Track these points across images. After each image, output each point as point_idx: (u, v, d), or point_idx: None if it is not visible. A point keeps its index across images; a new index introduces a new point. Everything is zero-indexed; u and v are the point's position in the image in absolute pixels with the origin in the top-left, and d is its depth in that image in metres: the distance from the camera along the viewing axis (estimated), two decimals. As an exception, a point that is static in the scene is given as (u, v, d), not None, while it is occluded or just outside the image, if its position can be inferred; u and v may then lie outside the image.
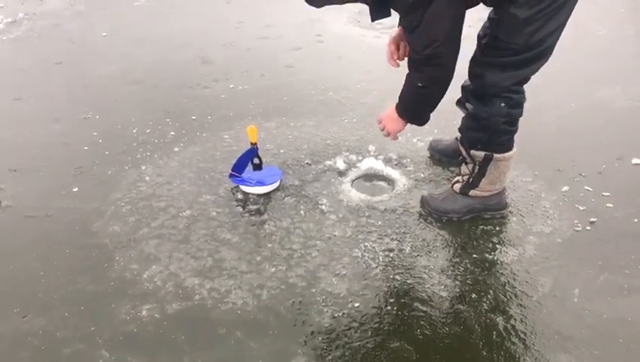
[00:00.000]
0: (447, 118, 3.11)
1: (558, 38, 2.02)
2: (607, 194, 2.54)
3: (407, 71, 2.16)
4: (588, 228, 2.35)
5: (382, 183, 2.69)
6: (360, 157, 2.84)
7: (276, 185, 2.61)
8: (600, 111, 3.28)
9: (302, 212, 2.47)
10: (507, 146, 2.27)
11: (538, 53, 2.01)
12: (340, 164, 2.79)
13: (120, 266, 2.20)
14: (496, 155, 2.26)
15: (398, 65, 2.36)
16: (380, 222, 2.40)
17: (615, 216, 2.41)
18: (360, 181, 2.70)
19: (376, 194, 2.60)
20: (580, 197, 2.53)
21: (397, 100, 2.29)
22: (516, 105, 2.16)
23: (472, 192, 2.37)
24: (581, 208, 2.46)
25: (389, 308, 1.99)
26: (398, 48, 2.33)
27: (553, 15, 1.93)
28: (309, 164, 2.81)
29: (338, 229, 2.36)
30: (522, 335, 1.87)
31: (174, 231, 2.38)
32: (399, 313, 1.97)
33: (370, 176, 2.73)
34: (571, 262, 2.18)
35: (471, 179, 2.35)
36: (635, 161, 2.79)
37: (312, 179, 2.70)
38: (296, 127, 3.18)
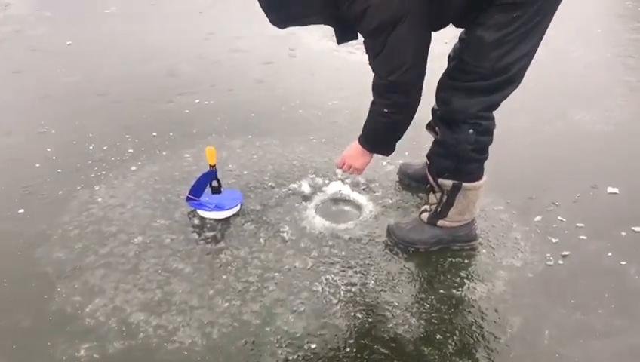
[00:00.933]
0: (418, 141, 3.01)
1: (528, 64, 1.92)
2: (581, 225, 2.45)
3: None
4: (560, 262, 2.25)
5: (348, 209, 2.56)
6: (326, 181, 2.72)
7: (236, 209, 2.47)
8: (575, 136, 3.19)
9: (261, 240, 2.33)
10: (476, 175, 2.16)
11: (507, 79, 1.90)
12: (305, 188, 2.65)
13: (61, 298, 2.04)
14: (465, 184, 2.14)
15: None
16: (343, 253, 2.27)
17: (589, 250, 2.31)
18: (325, 206, 2.57)
19: (342, 221, 2.47)
20: (552, 229, 2.43)
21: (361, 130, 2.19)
22: (485, 132, 2.06)
23: (440, 222, 2.26)
24: (554, 240, 2.35)
25: (347, 349, 1.85)
26: None
27: (522, 39, 1.83)
28: (273, 187, 2.67)
29: (299, 260, 2.22)
30: (489, 382, 1.75)
31: (123, 259, 2.22)
32: (359, 356, 1.83)
33: (336, 201, 2.60)
34: (542, 299, 2.07)
35: (439, 209, 2.24)
36: (610, 189, 2.70)
37: (275, 203, 2.56)
38: (261, 146, 3.04)
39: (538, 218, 2.49)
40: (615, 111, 3.49)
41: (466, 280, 2.15)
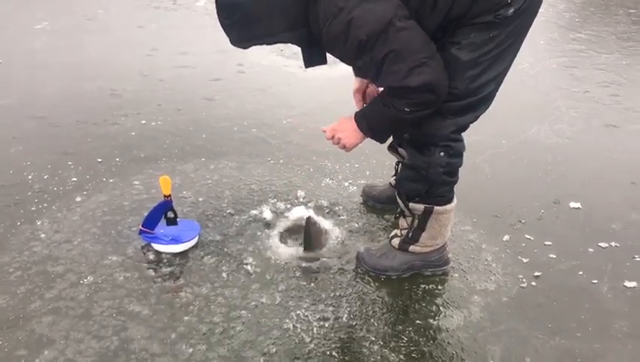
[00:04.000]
0: (378, 159, 2.94)
1: (500, 84, 1.88)
2: (549, 243, 2.42)
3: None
4: (533, 283, 2.20)
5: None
6: (288, 205, 2.59)
7: (194, 241, 2.31)
8: (532, 150, 3.20)
9: (224, 274, 2.17)
10: (448, 198, 2.09)
11: (480, 99, 1.85)
12: (267, 214, 2.52)
13: (4, 353, 1.82)
14: (436, 208, 2.07)
15: None
16: (312, 284, 2.15)
17: (560, 269, 2.28)
18: (289, 233, 2.44)
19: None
20: (522, 248, 2.39)
21: (356, 115, 1.98)
22: (456, 154, 1.99)
23: (411, 248, 2.17)
24: (524, 261, 2.32)
25: (326, 393, 1.73)
26: (364, 96, 2.20)
27: (497, 60, 1.78)
28: (232, 215, 2.52)
29: (266, 295, 2.08)
30: (476, 420, 1.66)
31: (73, 303, 2.02)
32: (338, 399, 1.72)
33: (301, 227, 2.47)
34: (520, 325, 2.01)
35: (410, 234, 2.15)
36: (572, 204, 2.69)
37: (236, 232, 2.41)
38: (216, 169, 2.88)
39: (506, 237, 2.45)
40: (567, 123, 3.53)
41: (441, 308, 2.07)
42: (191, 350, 1.84)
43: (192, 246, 2.30)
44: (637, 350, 1.93)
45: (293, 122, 3.43)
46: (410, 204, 2.08)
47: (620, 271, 2.29)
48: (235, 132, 3.30)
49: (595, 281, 2.23)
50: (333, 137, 2.01)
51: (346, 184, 2.80)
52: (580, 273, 2.27)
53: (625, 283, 2.22)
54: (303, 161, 3.00)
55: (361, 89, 2.19)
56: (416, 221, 2.11)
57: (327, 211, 2.58)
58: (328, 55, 1.86)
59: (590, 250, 2.41)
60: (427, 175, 1.99)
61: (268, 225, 2.47)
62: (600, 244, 2.44)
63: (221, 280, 2.14)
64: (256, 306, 2.03)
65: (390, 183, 2.58)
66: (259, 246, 2.33)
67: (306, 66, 1.88)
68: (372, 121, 1.92)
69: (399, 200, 2.12)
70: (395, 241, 2.20)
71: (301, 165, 2.96)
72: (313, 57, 1.85)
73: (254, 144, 3.17)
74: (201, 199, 2.63)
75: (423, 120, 1.86)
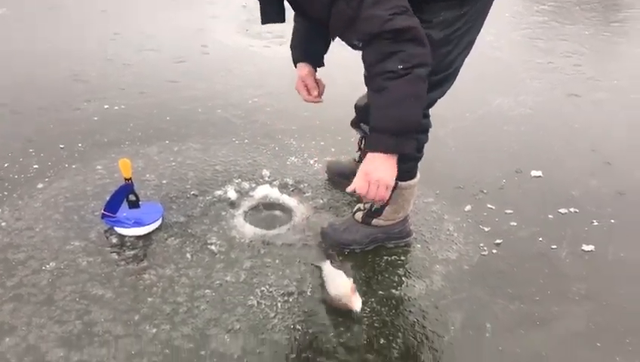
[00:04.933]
0: (343, 136, 2.96)
1: (465, 57, 1.89)
2: (510, 211, 2.47)
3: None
4: (494, 251, 2.25)
5: (278, 213, 2.45)
6: (253, 185, 2.59)
7: (157, 224, 2.30)
8: (496, 122, 3.24)
9: (188, 255, 2.17)
10: (412, 174, 2.11)
11: (448, 75, 1.88)
12: (232, 194, 2.52)
13: (-36, 342, 1.81)
14: (401, 183, 2.08)
15: (321, 101, 2.20)
16: (277, 261, 2.16)
17: (520, 236, 2.33)
18: (254, 212, 2.45)
19: (273, 226, 2.35)
20: (483, 217, 2.43)
21: (369, 140, 1.73)
22: (423, 130, 2.00)
23: (374, 221, 2.19)
24: (486, 229, 2.36)
25: (290, 366, 1.75)
26: (311, 85, 2.17)
27: (464, 35, 1.79)
28: (196, 196, 2.52)
29: (230, 273, 2.09)
30: (437, 385, 1.70)
31: (35, 289, 2.00)
32: (301, 371, 1.74)
33: (266, 206, 2.48)
34: (481, 291, 2.05)
35: (373, 208, 2.17)
36: (534, 173, 2.74)
37: (200, 213, 2.41)
38: (180, 151, 2.87)
39: (468, 207, 2.49)
40: (531, 94, 3.57)
41: (404, 278, 2.10)
42: (155, 330, 1.85)
43: (156, 229, 2.29)
44: (593, 311, 1.99)
45: (258, 102, 3.42)
46: None
47: (579, 235, 2.35)
48: (200, 113, 3.28)
49: (555, 247, 2.28)
50: (369, 188, 1.68)
51: (312, 162, 2.81)
52: (540, 239, 2.31)
53: (583, 247, 2.28)
54: (268, 140, 3.00)
55: (306, 79, 2.16)
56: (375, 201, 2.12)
57: (292, 189, 2.59)
58: None
59: (550, 216, 2.46)
60: None
61: (232, 204, 2.47)
62: (560, 211, 2.49)
63: (185, 261, 2.14)
64: (220, 285, 2.04)
65: (354, 159, 2.60)
66: (223, 226, 2.33)
67: (263, 22, 1.80)
68: (387, 123, 1.63)
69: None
70: (359, 215, 2.22)
71: (266, 144, 2.96)
72: (271, 12, 1.76)
73: (219, 125, 3.16)
74: (164, 181, 2.61)
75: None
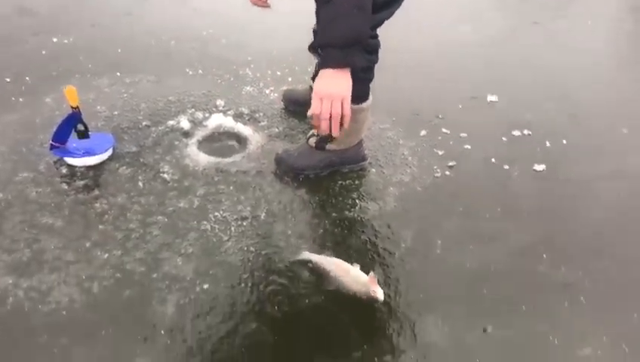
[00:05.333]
0: (301, 65, 2.91)
1: None
2: (465, 135, 2.48)
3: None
4: (447, 173, 2.27)
5: (233, 142, 2.42)
6: (207, 114, 2.55)
7: (108, 153, 2.26)
8: (454, 49, 3.21)
9: (140, 183, 2.14)
10: (364, 96, 2.09)
11: None
12: (185, 124, 2.47)
13: None
14: (353, 107, 2.06)
15: (268, 6, 2.17)
16: (231, 188, 2.15)
17: (473, 158, 2.35)
18: (208, 141, 2.41)
19: (227, 155, 2.33)
20: (438, 141, 2.44)
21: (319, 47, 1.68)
22: (372, 50, 1.97)
23: (328, 146, 2.18)
24: (440, 153, 2.37)
25: (242, 285, 1.76)
26: None
27: None
28: (149, 126, 2.47)
29: (184, 200, 2.07)
30: (387, 298, 1.72)
31: (-18, 221, 1.97)
32: (254, 290, 1.75)
33: (220, 135, 2.45)
34: (432, 211, 2.08)
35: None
36: (490, 98, 2.75)
37: (152, 143, 2.36)
38: (132, 83, 2.79)
39: (424, 132, 2.49)
40: (491, 22, 3.54)
41: (357, 201, 2.12)
42: (106, 256, 1.84)
43: (107, 159, 2.25)
44: (538, 225, 2.04)
45: (214, 33, 3.33)
46: None
47: (531, 156, 2.38)
48: (153, 46, 3.19)
49: (507, 167, 2.31)
50: (322, 107, 1.62)
51: (268, 91, 2.77)
52: (493, 161, 2.34)
53: (534, 168, 2.32)
54: (223, 71, 2.94)
55: None
56: (333, 120, 2.10)
57: (247, 118, 2.56)
58: None
59: (504, 139, 2.48)
60: None
61: (186, 134, 2.43)
62: (513, 133, 2.52)
63: (137, 190, 2.12)
64: (173, 211, 2.03)
65: (310, 86, 2.56)
66: (176, 155, 2.30)
67: None
68: (335, 35, 1.58)
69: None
70: (312, 140, 2.21)
71: (221, 75, 2.90)
72: None
73: (173, 57, 3.08)
74: (116, 113, 2.55)
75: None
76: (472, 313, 1.70)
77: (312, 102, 1.64)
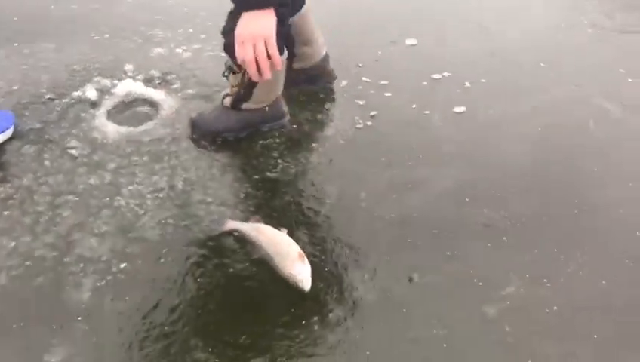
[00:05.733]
0: (214, 21, 2.77)
1: None
2: (385, 82, 2.44)
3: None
4: (369, 123, 2.23)
5: (144, 109, 2.29)
6: (115, 81, 2.40)
7: (9, 133, 2.10)
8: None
9: (47, 162, 2.01)
10: (279, 49, 1.99)
11: None
12: (91, 93, 2.32)
13: None
14: None
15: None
16: (145, 158, 2.04)
17: (394, 106, 2.32)
18: (117, 110, 2.28)
19: (139, 123, 2.21)
20: (358, 91, 2.39)
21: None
22: (283, 3, 1.87)
23: (244, 105, 2.09)
24: (361, 103, 2.32)
25: (162, 260, 1.69)
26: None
27: None
28: (52, 99, 2.30)
29: (94, 176, 1.96)
30: (314, 259, 1.68)
31: None
32: (176, 263, 1.68)
33: (130, 103, 2.32)
34: (356, 163, 2.05)
35: (242, 91, 2.06)
36: (408, 42, 2.71)
37: (57, 117, 2.21)
38: (32, 53, 2.60)
39: (344, 83, 2.44)
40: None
41: (279, 160, 2.05)
42: (13, 243, 1.72)
43: (8, 138, 2.09)
44: (462, 169, 2.03)
45: (120, -9, 3.12)
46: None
47: (451, 98, 2.37)
48: (53, 10, 2.96)
49: (427, 112, 2.29)
50: (245, 50, 1.60)
51: (179, 51, 2.63)
52: (413, 106, 2.31)
53: (455, 110, 2.31)
54: (130, 32, 2.77)
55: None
56: (247, 76, 2.01)
57: (158, 82, 2.42)
58: None
59: (424, 83, 2.46)
60: None
61: (93, 104, 2.28)
62: (433, 76, 2.49)
63: (44, 169, 1.98)
64: (84, 189, 1.91)
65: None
66: (84, 128, 2.16)
67: None
68: None
69: (227, 55, 1.99)
70: (227, 100, 2.11)
71: (128, 37, 2.73)
72: None
73: (75, 21, 2.87)
74: (15, 87, 2.37)
75: None
76: (398, 263, 1.69)
77: (236, 48, 1.61)
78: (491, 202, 1.91)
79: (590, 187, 1.99)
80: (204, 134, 2.13)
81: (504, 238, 1.78)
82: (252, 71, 1.62)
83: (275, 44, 1.61)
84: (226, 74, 2.08)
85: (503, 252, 1.74)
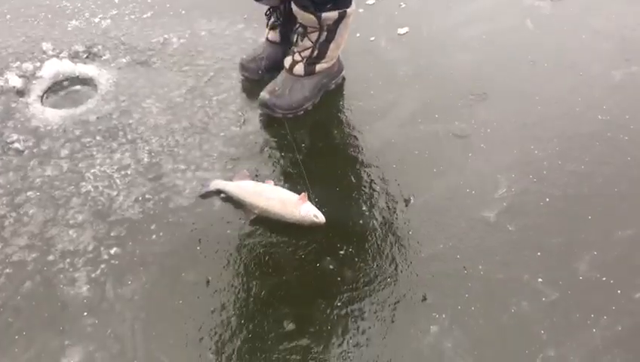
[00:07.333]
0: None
1: None
2: (322, 16, 2.38)
3: None
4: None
5: (79, 87, 2.13)
6: (38, 63, 2.20)
7: (-64, 140, 1.89)
8: None
9: (-10, 163, 1.84)
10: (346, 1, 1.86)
11: None
12: (15, 81, 2.12)
13: None
14: (348, 10, 1.86)
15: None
16: (98, 137, 1.91)
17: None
18: (51, 93, 2.10)
19: (79, 103, 2.05)
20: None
21: None
22: None
23: (318, 67, 1.95)
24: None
25: (153, 237, 1.60)
26: None
27: None
28: (-28, 96, 2.09)
29: (49, 167, 1.81)
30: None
31: None
32: (168, 237, 1.61)
33: (62, 83, 2.14)
34: (320, 106, 2.01)
35: (316, 52, 1.91)
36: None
37: (-15, 113, 2.01)
38: None
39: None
40: None
41: (240, 113, 1.98)
42: (-17, 255, 1.58)
43: (-63, 146, 1.89)
44: (422, 88, 2.06)
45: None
46: (323, 15, 1.82)
47: (392, 21, 2.36)
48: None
49: (373, 38, 2.27)
50: None
51: (97, 20, 2.44)
52: (357, 35, 2.27)
53: (398, 31, 2.30)
54: (35, 9, 2.52)
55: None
56: (325, 33, 1.88)
57: (86, 56, 2.24)
58: None
59: (360, 10, 2.41)
60: None
61: (20, 92, 2.09)
62: (368, 2, 2.46)
63: (-10, 170, 1.81)
64: (43, 182, 1.76)
65: (267, 39, 2.14)
66: (19, 119, 1.98)
67: None
68: None
69: (303, 19, 1.85)
70: (299, 68, 1.94)
71: (35, 15, 2.49)
72: None
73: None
74: None
75: None
76: (391, 191, 1.70)
77: None
78: (458, 114, 1.94)
79: (538, 76, 2.08)
80: (286, 112, 1.95)
81: (482, 145, 1.82)
82: None
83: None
84: (296, 38, 1.91)
85: (484, 158, 1.79)
